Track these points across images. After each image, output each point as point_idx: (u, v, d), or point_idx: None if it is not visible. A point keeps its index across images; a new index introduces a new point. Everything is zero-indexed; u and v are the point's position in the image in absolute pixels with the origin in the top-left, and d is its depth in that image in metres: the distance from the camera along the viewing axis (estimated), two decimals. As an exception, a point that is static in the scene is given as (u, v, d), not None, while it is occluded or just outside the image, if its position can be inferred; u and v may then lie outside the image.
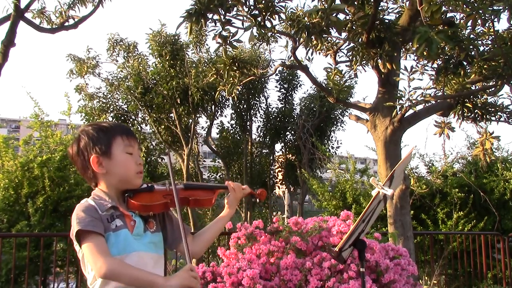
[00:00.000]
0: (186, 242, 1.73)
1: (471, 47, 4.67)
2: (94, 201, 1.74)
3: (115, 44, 15.01)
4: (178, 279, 1.62)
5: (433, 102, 5.29)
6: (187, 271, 1.64)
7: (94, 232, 1.62)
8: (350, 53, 5.49)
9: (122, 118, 15.51)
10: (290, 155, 18.18)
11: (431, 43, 3.83)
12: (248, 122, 17.57)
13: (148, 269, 1.68)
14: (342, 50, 5.85)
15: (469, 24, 4.62)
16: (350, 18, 5.19)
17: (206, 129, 17.22)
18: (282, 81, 17.37)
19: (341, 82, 5.82)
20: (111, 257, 1.62)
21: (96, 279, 1.69)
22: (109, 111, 15.33)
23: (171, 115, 15.14)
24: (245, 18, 4.84)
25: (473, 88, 5.57)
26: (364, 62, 5.34)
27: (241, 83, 6.01)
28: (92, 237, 1.62)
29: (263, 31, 4.93)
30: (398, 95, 4.94)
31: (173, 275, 1.66)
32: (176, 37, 14.29)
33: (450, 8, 4.42)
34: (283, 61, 6.25)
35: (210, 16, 4.59)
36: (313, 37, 4.48)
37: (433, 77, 5.32)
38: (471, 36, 5.04)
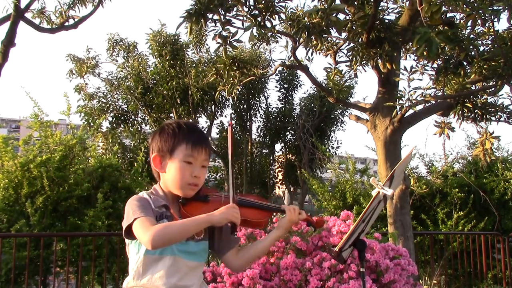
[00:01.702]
0: (232, 177, 1.80)
1: (471, 47, 4.66)
2: (149, 195, 1.78)
3: (115, 44, 15.03)
4: (220, 213, 1.68)
5: (433, 102, 5.29)
6: (230, 208, 1.71)
7: (147, 216, 1.66)
8: (350, 53, 5.49)
9: (122, 118, 15.52)
10: (290, 155, 18.19)
11: (431, 43, 3.82)
12: (248, 122, 17.57)
13: (179, 275, 1.71)
14: (342, 50, 5.86)
15: (469, 24, 4.62)
16: (350, 18, 5.19)
17: (206, 129, 17.22)
18: (282, 81, 17.38)
19: (341, 82, 5.82)
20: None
21: (133, 269, 1.72)
22: (109, 111, 15.33)
23: (171, 115, 15.15)
24: (245, 18, 4.84)
25: (473, 88, 5.57)
26: (364, 62, 5.34)
27: (241, 83, 6.01)
28: (143, 217, 1.65)
29: (263, 31, 4.94)
30: (398, 95, 4.94)
31: (216, 211, 1.71)
32: (176, 37, 14.30)
33: (450, 8, 4.42)
34: (283, 61, 6.25)
35: (210, 16, 4.59)
36: (313, 37, 4.48)
37: (433, 77, 5.31)
38: (471, 36, 5.04)
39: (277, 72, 14.98)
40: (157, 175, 1.85)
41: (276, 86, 17.60)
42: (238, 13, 4.83)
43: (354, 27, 5.15)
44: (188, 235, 1.69)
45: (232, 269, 1.84)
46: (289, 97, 17.83)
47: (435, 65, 5.44)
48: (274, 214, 2.00)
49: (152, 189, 1.83)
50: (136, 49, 15.22)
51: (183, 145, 1.77)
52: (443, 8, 4.29)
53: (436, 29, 4.35)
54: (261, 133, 18.02)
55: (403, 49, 5.84)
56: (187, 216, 1.74)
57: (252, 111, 17.54)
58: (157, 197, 1.77)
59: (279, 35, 5.27)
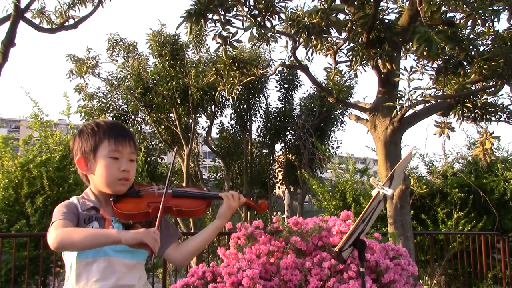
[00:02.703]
0: (162, 206, 1.69)
1: (471, 47, 4.66)
2: (78, 199, 1.75)
3: (115, 44, 15.01)
4: (134, 234, 1.55)
5: (433, 102, 5.29)
6: (149, 230, 1.57)
7: (64, 219, 1.62)
8: (350, 53, 5.49)
9: (122, 118, 15.51)
10: (290, 155, 18.18)
11: (431, 43, 3.82)
12: (248, 122, 17.57)
13: (118, 275, 1.66)
14: (342, 50, 5.85)
15: (469, 24, 4.62)
16: (350, 18, 5.19)
17: (206, 129, 17.23)
18: (282, 81, 17.37)
19: (341, 82, 5.82)
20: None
21: (69, 276, 1.68)
22: (109, 111, 15.33)
23: (171, 115, 15.14)
24: (245, 18, 4.84)
25: (473, 88, 5.57)
26: (364, 62, 5.34)
27: (241, 83, 6.00)
28: (58, 221, 1.61)
29: (263, 31, 4.93)
30: (398, 95, 4.94)
31: (133, 230, 1.59)
32: (176, 37, 14.29)
33: (450, 8, 4.42)
34: (283, 61, 6.25)
35: (210, 16, 4.59)
36: (313, 37, 4.48)
37: (433, 77, 5.31)
38: (471, 36, 5.04)
39: (277, 72, 14.97)
40: (85, 178, 1.81)
41: (276, 86, 17.60)
42: (238, 13, 4.83)
43: (354, 27, 5.14)
44: (92, 247, 1.59)
45: (174, 263, 1.78)
46: (289, 97, 17.82)
47: (435, 65, 5.44)
48: (213, 202, 1.95)
49: (83, 193, 1.79)
50: (136, 49, 15.21)
51: (105, 141, 1.74)
52: (443, 8, 4.29)
53: (436, 29, 4.35)
54: (261, 133, 18.01)
55: (403, 49, 5.84)
56: (120, 214, 1.71)
57: (252, 111, 17.53)
58: (85, 201, 1.74)
59: (279, 35, 5.27)
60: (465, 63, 4.89)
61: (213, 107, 16.17)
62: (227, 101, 16.69)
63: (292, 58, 5.44)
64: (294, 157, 17.89)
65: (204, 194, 1.92)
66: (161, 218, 1.73)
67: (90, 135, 1.76)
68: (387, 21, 5.18)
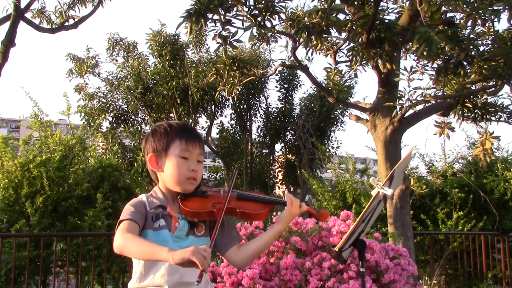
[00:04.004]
0: (217, 227, 1.69)
1: (471, 47, 4.66)
2: (147, 197, 1.81)
3: (115, 44, 15.03)
4: (184, 253, 1.50)
5: (433, 102, 5.29)
6: (198, 248, 1.52)
7: (131, 219, 1.67)
8: (350, 53, 5.49)
9: (122, 118, 15.52)
10: (290, 155, 18.19)
11: (431, 43, 3.82)
12: (248, 122, 17.57)
13: (181, 272, 1.70)
14: (342, 50, 5.85)
15: (469, 24, 4.62)
16: (350, 18, 5.19)
17: (206, 129, 17.23)
18: (282, 81, 17.38)
19: (341, 82, 5.81)
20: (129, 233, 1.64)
21: (137, 270, 1.74)
22: (109, 111, 15.33)
23: (171, 115, 15.15)
24: (245, 18, 4.84)
25: (473, 88, 5.57)
26: (364, 62, 5.35)
27: (241, 83, 6.01)
28: (126, 221, 1.67)
29: (263, 31, 4.94)
30: (398, 95, 4.94)
31: (182, 249, 1.55)
32: (176, 37, 14.30)
33: (450, 8, 4.42)
34: (283, 61, 6.25)
35: (210, 16, 4.59)
36: (313, 37, 4.48)
37: (433, 77, 5.32)
38: (471, 36, 5.04)
39: (277, 72, 14.99)
40: (155, 176, 1.87)
41: (276, 86, 17.61)
42: (238, 13, 4.84)
43: (354, 27, 5.15)
44: (142, 258, 1.67)
45: (234, 266, 1.83)
46: (289, 97, 17.83)
47: (435, 65, 5.44)
48: (275, 207, 1.98)
49: (152, 191, 1.85)
50: (136, 49, 15.22)
51: (177, 141, 1.79)
52: (443, 8, 4.29)
53: (436, 29, 4.35)
54: (261, 133, 18.02)
55: (403, 49, 5.84)
56: (187, 211, 1.76)
57: (252, 111, 17.54)
58: (153, 199, 1.80)
59: (279, 35, 5.27)
60: (465, 63, 4.89)
61: (213, 107, 16.19)
62: (227, 101, 16.71)
63: (292, 58, 5.44)
64: (294, 157, 17.90)
65: (268, 199, 1.94)
66: (223, 220, 1.79)
67: (163, 134, 1.82)
68: (387, 21, 5.18)
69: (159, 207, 1.77)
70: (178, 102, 14.27)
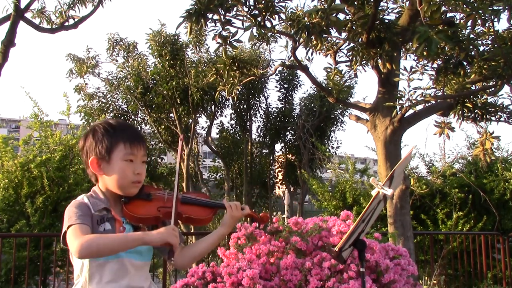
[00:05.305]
0: (175, 203, 1.74)
1: (471, 47, 4.66)
2: (89, 198, 1.74)
3: (115, 44, 15.02)
4: (158, 233, 1.63)
5: (433, 102, 5.29)
6: (169, 229, 1.65)
7: (82, 223, 1.62)
8: (350, 53, 5.49)
9: (122, 118, 15.51)
10: (290, 155, 18.18)
11: (430, 42, 3.82)
12: (248, 122, 17.57)
13: (129, 276, 1.67)
14: (342, 50, 5.85)
15: (469, 24, 4.62)
16: (350, 18, 5.18)
17: (206, 129, 17.23)
18: (282, 81, 17.37)
19: (341, 82, 5.81)
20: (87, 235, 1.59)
21: (80, 276, 1.68)
22: (108, 111, 15.33)
23: (171, 115, 15.15)
24: (245, 18, 4.83)
25: (473, 88, 5.56)
26: (364, 62, 5.34)
27: (241, 83, 6.00)
28: (76, 225, 1.60)
29: (263, 31, 4.93)
30: (398, 95, 4.93)
31: (154, 231, 1.66)
32: (176, 37, 14.29)
33: (450, 8, 4.42)
34: (283, 61, 6.24)
35: (210, 16, 4.58)
36: (313, 37, 4.48)
37: (433, 77, 5.31)
38: (471, 36, 5.03)
39: (277, 72, 14.98)
40: (95, 178, 1.81)
41: (276, 86, 17.60)
42: (238, 13, 4.83)
43: (354, 27, 5.14)
44: (118, 251, 1.62)
45: (176, 266, 1.82)
46: (289, 97, 17.82)
47: (435, 65, 5.44)
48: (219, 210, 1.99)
49: (92, 191, 1.79)
50: (136, 49, 15.22)
51: (120, 144, 1.73)
52: (443, 8, 4.29)
53: (436, 29, 4.35)
54: (261, 133, 18.01)
55: (403, 49, 5.84)
56: (131, 216, 1.72)
57: (252, 111, 17.53)
58: (96, 201, 1.73)
59: (279, 35, 5.27)
60: (465, 63, 4.89)
61: (213, 107, 16.18)
62: (227, 101, 16.70)
63: (292, 58, 5.44)
64: (294, 157, 17.89)
65: (210, 202, 1.93)
66: (165, 222, 1.76)
67: (104, 136, 1.74)
68: (387, 21, 5.18)
69: (104, 209, 1.72)
70: (178, 102, 14.27)
